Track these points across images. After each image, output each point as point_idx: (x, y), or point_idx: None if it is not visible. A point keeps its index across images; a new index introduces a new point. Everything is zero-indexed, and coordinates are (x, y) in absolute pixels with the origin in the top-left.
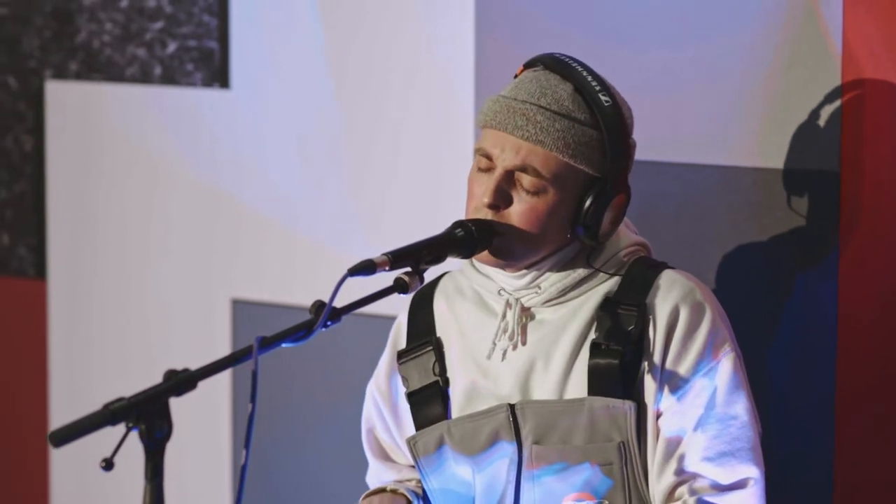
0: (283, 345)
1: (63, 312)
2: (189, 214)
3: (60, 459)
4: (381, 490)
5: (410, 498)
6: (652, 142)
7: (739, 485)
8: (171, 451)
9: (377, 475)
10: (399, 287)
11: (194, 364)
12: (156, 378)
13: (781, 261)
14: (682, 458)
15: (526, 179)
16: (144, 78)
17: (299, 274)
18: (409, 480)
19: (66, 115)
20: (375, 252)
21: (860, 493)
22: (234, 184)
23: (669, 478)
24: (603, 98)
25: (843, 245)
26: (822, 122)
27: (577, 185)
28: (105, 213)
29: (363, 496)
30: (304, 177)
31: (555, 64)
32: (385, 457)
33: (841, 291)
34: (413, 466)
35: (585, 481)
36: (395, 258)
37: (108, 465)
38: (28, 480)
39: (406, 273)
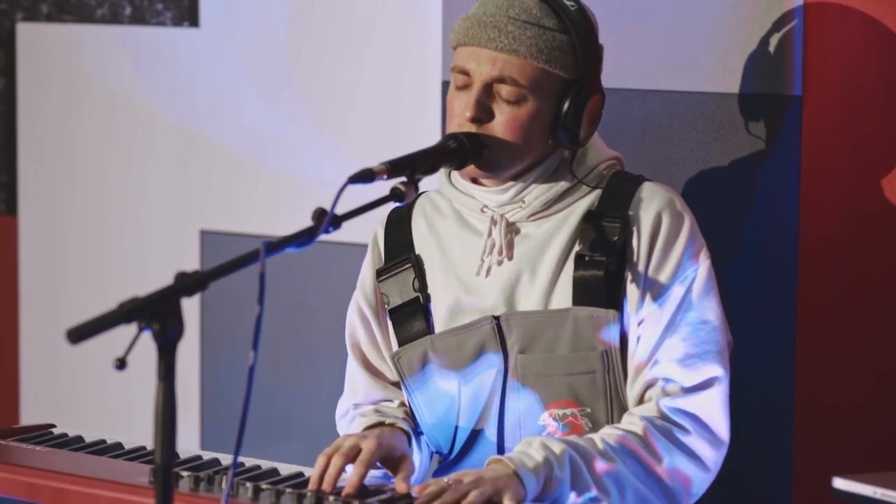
0: (287, 250)
1: (34, 247)
2: (159, 150)
3: (30, 398)
4: (381, 424)
5: (409, 432)
6: (617, 69)
7: (704, 385)
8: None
9: (366, 391)
10: (395, 195)
11: None
12: None
13: (745, 182)
14: (652, 362)
15: (505, 89)
16: (115, 18)
17: (263, 206)
18: (399, 405)
19: (37, 57)
20: (337, 184)
21: (820, 400)
22: (203, 120)
23: (641, 381)
24: (568, 3)
25: (804, 166)
26: (785, 47)
27: (555, 90)
28: (75, 151)
29: (364, 426)
30: (270, 112)
31: None
32: (372, 369)
33: (802, 211)
34: (396, 383)
35: (569, 389)
36: (393, 167)
37: (121, 364)
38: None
39: (402, 183)
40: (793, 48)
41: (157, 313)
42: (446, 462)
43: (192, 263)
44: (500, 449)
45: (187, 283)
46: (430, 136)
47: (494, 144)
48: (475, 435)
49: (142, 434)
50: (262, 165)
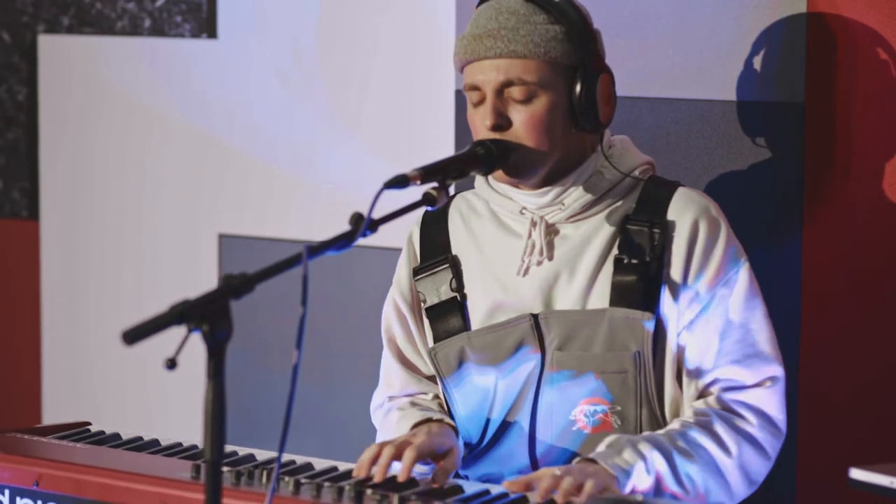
0: (328, 253)
1: (55, 250)
2: (178, 157)
3: (51, 397)
4: (429, 420)
5: (456, 427)
6: (626, 78)
7: (763, 383)
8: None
9: (401, 385)
10: (428, 200)
11: (183, 295)
12: (147, 310)
13: (750, 186)
14: (711, 367)
15: (515, 91)
16: (134, 30)
17: (279, 210)
18: (434, 398)
19: (58, 67)
20: (352, 193)
21: (823, 394)
22: (221, 127)
23: (698, 383)
24: None
25: (808, 171)
26: (788, 55)
27: (562, 79)
28: (95, 158)
29: (412, 424)
30: (285, 120)
31: None
32: (407, 363)
33: (805, 214)
34: (431, 377)
35: (601, 387)
36: (426, 173)
37: (171, 364)
38: (21, 416)
39: (433, 188)
40: (796, 57)
41: (206, 315)
42: (476, 452)
43: (210, 267)
44: (531, 440)
45: (234, 286)
46: (444, 142)
47: (521, 149)
48: (506, 426)
49: (162, 430)
50: (278, 172)
